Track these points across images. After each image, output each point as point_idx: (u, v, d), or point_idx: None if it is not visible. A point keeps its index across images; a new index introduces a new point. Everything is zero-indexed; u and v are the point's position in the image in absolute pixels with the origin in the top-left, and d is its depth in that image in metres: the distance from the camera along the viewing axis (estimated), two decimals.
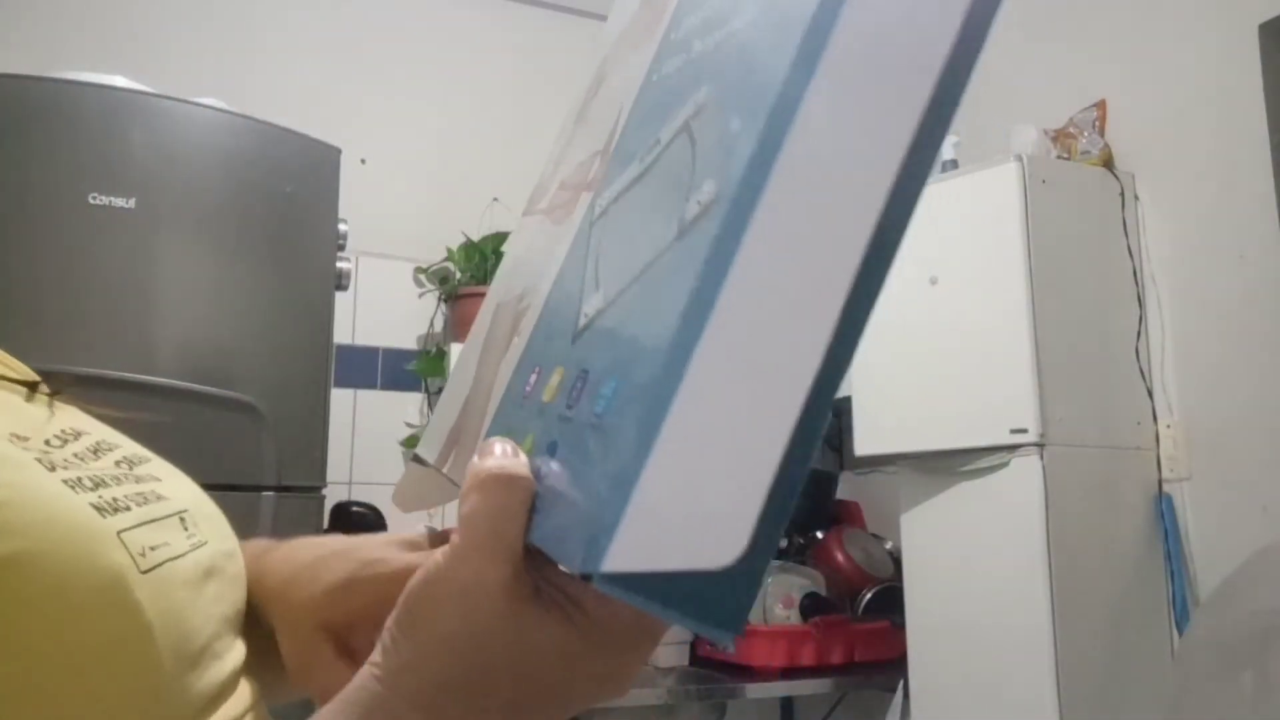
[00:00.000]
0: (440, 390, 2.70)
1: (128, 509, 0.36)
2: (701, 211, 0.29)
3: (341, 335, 2.51)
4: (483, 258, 2.69)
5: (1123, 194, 2.14)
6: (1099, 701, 1.84)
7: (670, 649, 2.36)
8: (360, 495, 2.53)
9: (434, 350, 2.71)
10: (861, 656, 2.32)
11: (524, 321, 0.44)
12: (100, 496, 0.36)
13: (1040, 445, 1.87)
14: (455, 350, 2.54)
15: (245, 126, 1.94)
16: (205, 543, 0.41)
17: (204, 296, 1.85)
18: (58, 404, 0.44)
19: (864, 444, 2.18)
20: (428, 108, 2.88)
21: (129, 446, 0.44)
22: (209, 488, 0.47)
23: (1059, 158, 2.19)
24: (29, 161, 1.73)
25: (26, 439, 0.38)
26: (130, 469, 0.41)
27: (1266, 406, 1.92)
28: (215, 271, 1.87)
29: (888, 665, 2.27)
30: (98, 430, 0.44)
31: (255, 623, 0.46)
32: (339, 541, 0.48)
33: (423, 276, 2.78)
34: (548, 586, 0.33)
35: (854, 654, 2.31)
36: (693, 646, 2.41)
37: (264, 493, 1.82)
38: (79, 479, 0.36)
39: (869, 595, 2.37)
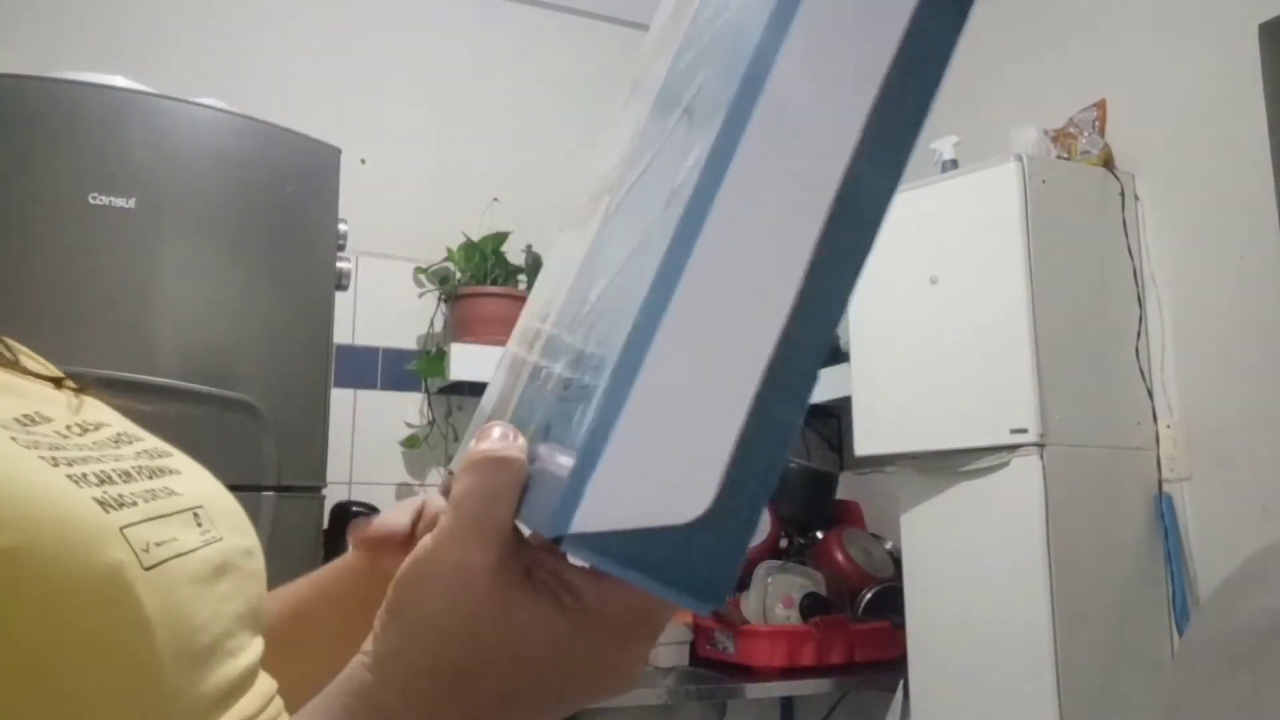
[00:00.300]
0: (440, 390, 2.71)
1: (134, 504, 0.36)
2: (685, 177, 0.29)
3: (341, 335, 2.51)
4: (482, 258, 2.69)
5: (1123, 194, 2.14)
6: (1099, 701, 1.84)
7: (670, 649, 2.36)
8: (360, 495, 2.53)
9: (434, 350, 2.71)
10: (861, 656, 2.32)
11: (545, 325, 0.44)
12: (105, 492, 0.35)
13: (1040, 445, 1.87)
14: (455, 350, 2.54)
15: (245, 126, 1.94)
16: (219, 539, 0.41)
17: (204, 296, 1.85)
18: (85, 398, 0.44)
19: (864, 444, 2.18)
20: (428, 108, 2.87)
21: (151, 440, 0.44)
22: None
23: (1059, 158, 2.19)
24: (29, 161, 1.73)
25: (50, 419, 0.38)
26: (150, 460, 0.41)
27: (1266, 406, 1.91)
28: (215, 271, 1.87)
29: (888, 665, 2.27)
30: (120, 423, 0.44)
31: None
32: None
33: (423, 276, 2.78)
34: (541, 570, 0.33)
35: (854, 654, 2.31)
36: (693, 646, 2.41)
37: (264, 493, 1.82)
38: (85, 474, 0.35)
39: (869, 595, 2.37)
